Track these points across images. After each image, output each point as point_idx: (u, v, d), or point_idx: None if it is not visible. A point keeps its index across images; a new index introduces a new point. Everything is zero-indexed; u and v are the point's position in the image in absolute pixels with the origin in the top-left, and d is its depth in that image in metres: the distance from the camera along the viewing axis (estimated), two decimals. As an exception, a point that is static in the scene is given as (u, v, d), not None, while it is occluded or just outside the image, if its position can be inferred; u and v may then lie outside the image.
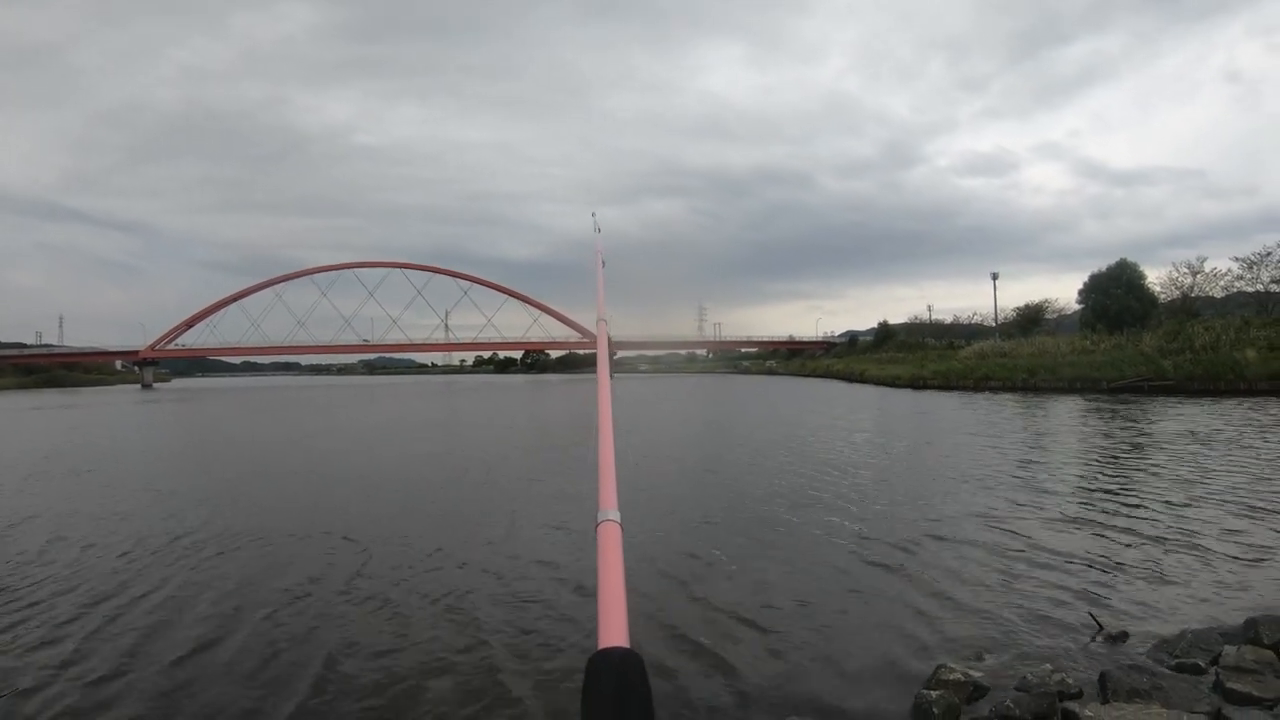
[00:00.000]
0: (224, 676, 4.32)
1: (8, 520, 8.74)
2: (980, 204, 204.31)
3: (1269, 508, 7.88)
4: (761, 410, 27.30)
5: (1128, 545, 6.63)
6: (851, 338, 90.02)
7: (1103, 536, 6.99)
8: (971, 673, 3.87)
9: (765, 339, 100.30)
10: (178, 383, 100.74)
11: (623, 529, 0.94)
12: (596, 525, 0.95)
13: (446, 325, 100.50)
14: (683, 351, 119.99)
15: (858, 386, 45.80)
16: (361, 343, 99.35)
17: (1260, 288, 41.17)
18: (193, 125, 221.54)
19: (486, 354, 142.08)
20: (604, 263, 2.10)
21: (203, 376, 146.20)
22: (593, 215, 2.43)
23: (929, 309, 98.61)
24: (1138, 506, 8.22)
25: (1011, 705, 3.40)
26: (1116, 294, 42.56)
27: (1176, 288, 44.96)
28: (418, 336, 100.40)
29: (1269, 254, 40.07)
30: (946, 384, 38.39)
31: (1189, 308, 42.68)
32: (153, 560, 6.85)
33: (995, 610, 5.06)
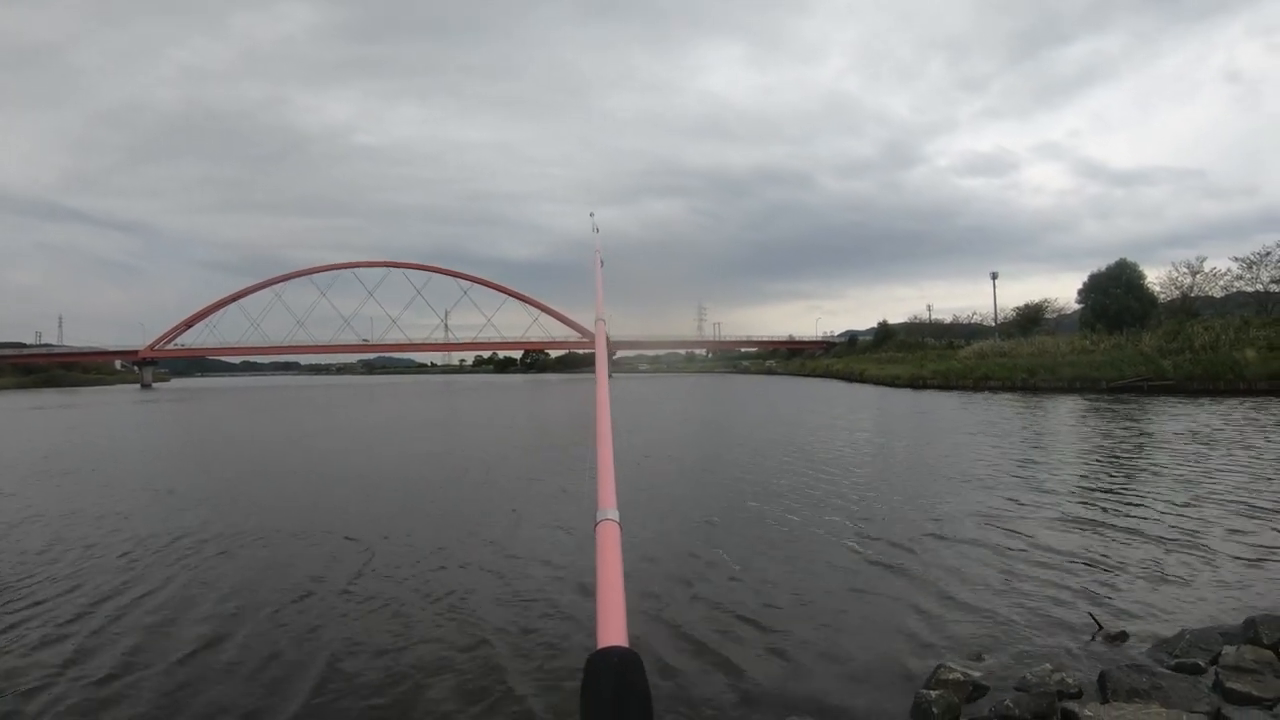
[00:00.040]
0: (227, 676, 4.32)
1: (9, 520, 8.73)
2: (980, 204, 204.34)
3: (1269, 507, 7.88)
4: (761, 410, 27.31)
5: (1127, 545, 6.64)
6: (851, 337, 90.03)
7: (1102, 536, 6.99)
8: (971, 672, 3.87)
9: (765, 339, 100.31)
10: (177, 382, 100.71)
11: (622, 528, 0.94)
12: (595, 524, 0.95)
13: (446, 325, 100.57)
14: (682, 351, 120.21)
15: (857, 386, 45.80)
16: (361, 342, 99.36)
17: (1260, 288, 41.23)
18: (193, 125, 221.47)
19: (486, 354, 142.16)
20: (602, 262, 2.10)
21: (202, 376, 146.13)
22: (591, 215, 2.43)
23: (929, 309, 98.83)
24: (1137, 506, 8.22)
25: (1011, 705, 3.40)
26: (1116, 294, 42.58)
27: (1176, 288, 45.05)
28: (417, 336, 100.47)
29: (1268, 254, 40.18)
30: (946, 384, 38.41)
31: (1188, 308, 42.71)
32: (154, 560, 6.85)
33: (995, 610, 5.06)
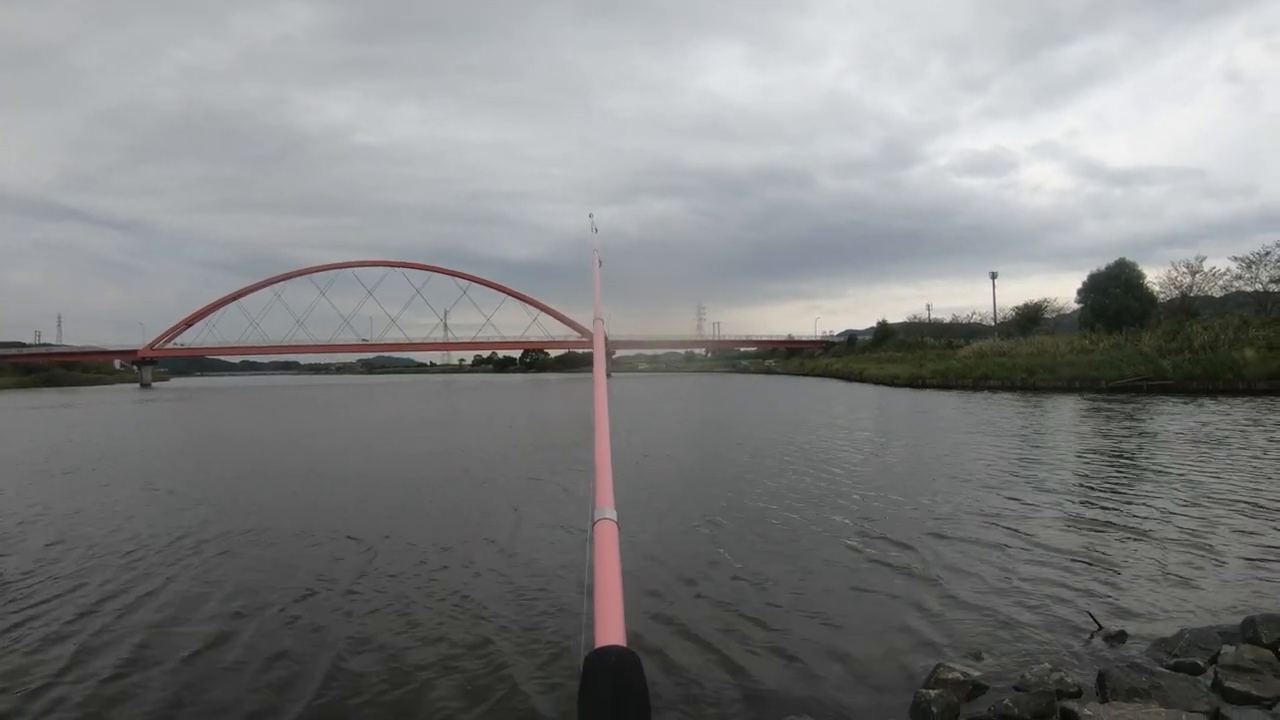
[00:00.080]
0: (232, 675, 4.32)
1: (12, 520, 8.72)
2: (979, 203, 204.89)
3: (1268, 507, 7.89)
4: (760, 409, 27.30)
5: (1126, 544, 6.64)
6: (850, 337, 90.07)
7: (1101, 535, 6.99)
8: (970, 671, 3.87)
9: (764, 338, 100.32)
10: (176, 382, 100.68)
11: (620, 527, 0.93)
12: (593, 524, 0.94)
13: (445, 324, 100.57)
14: (682, 351, 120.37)
15: (856, 386, 45.81)
16: (360, 342, 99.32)
17: (1259, 287, 41.20)
18: (192, 125, 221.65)
19: (485, 353, 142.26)
20: (601, 262, 2.10)
21: (201, 376, 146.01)
22: (590, 216, 2.43)
23: (928, 308, 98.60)
24: (1136, 506, 8.22)
25: (1010, 704, 3.40)
26: (1115, 293, 42.58)
27: (1175, 287, 45.01)
28: (416, 336, 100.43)
29: (1268, 253, 40.14)
30: (945, 383, 38.41)
31: (1188, 307, 42.69)
32: (156, 560, 6.84)
33: (994, 609, 5.06)
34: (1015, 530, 7.26)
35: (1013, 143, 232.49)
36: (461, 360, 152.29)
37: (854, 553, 6.65)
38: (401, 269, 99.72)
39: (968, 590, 5.48)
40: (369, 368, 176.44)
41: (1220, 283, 43.88)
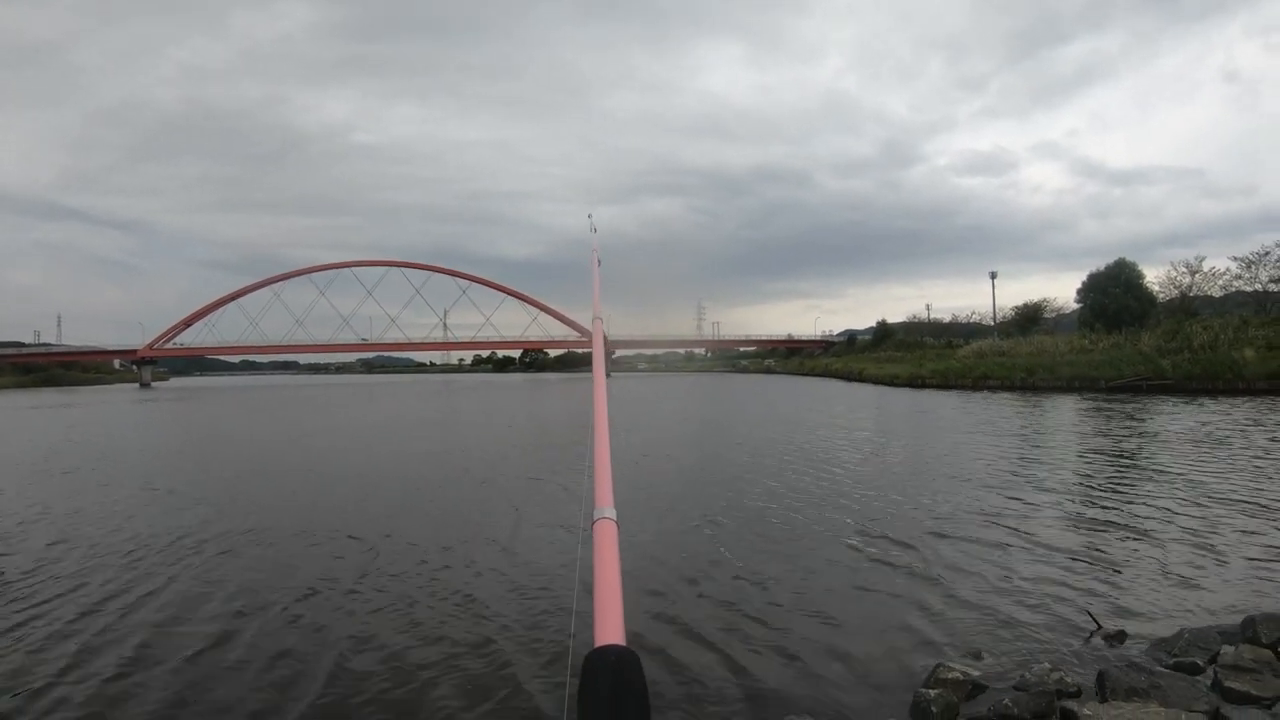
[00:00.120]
0: (235, 675, 4.32)
1: (13, 520, 8.71)
2: (979, 203, 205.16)
3: (1268, 507, 7.89)
4: (760, 409, 27.31)
5: (1126, 544, 6.64)
6: (850, 337, 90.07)
7: (1101, 535, 6.99)
8: (970, 671, 3.87)
9: (764, 338, 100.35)
10: (176, 381, 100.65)
11: (619, 527, 0.93)
12: (593, 523, 0.94)
13: (445, 324, 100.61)
14: (681, 350, 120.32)
15: (856, 385, 45.81)
16: (360, 342, 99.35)
17: (1258, 287, 41.20)
18: (192, 124, 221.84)
19: (485, 353, 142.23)
20: (600, 262, 2.10)
21: (201, 375, 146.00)
22: (589, 217, 2.43)
23: (927, 308, 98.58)
24: (1135, 505, 8.23)
25: (1010, 704, 3.40)
26: (1115, 293, 42.59)
27: (1175, 287, 45.01)
28: (416, 335, 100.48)
29: (1267, 253, 40.13)
30: (945, 383, 38.42)
31: (1187, 307, 42.69)
32: (158, 559, 6.84)
33: (994, 608, 5.06)
34: (1014, 530, 7.26)
35: (1012, 142, 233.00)
36: (461, 360, 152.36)
37: (854, 552, 6.66)
38: (401, 269, 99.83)
39: (967, 590, 5.48)
40: (368, 367, 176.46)
41: (1220, 282, 43.95)
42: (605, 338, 1.66)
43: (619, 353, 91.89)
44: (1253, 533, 6.86)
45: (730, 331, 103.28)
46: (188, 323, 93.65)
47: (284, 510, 9.16)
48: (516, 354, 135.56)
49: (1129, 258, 44.59)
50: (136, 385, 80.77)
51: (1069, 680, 3.64)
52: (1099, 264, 45.74)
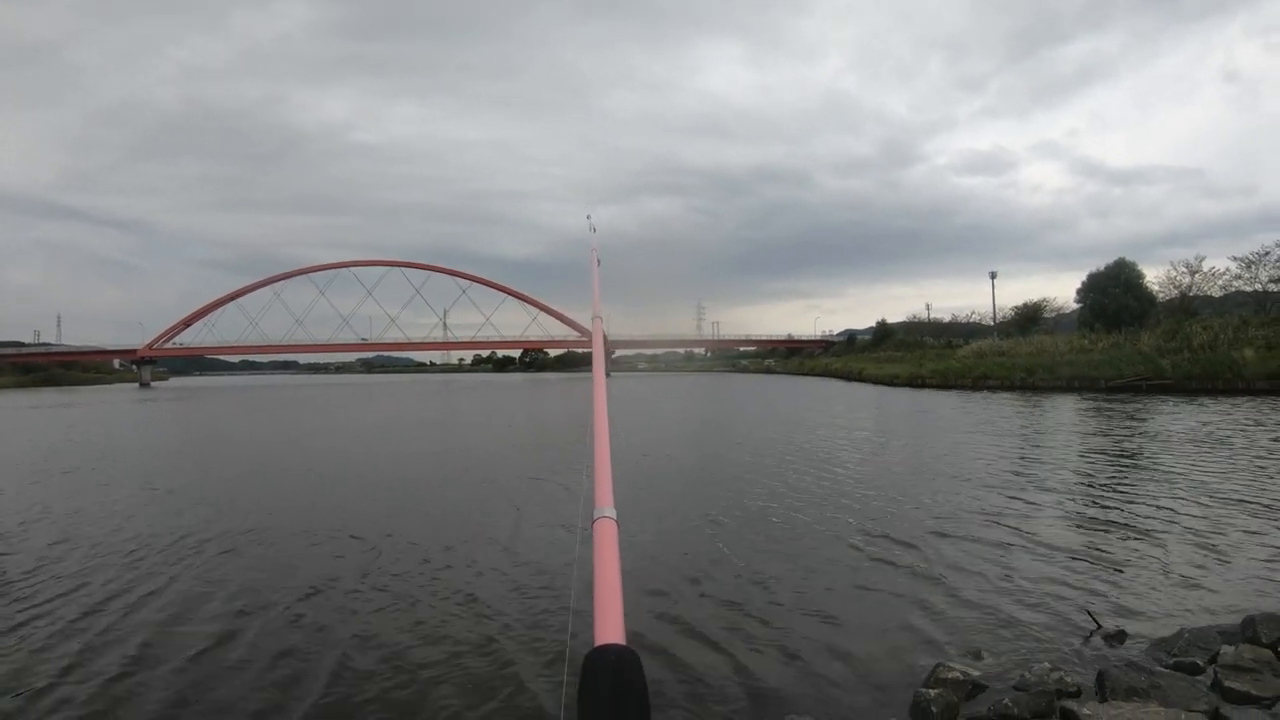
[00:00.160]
0: (238, 674, 4.32)
1: (16, 521, 8.69)
2: (978, 203, 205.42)
3: (1267, 506, 7.89)
4: (760, 409, 27.31)
5: (1126, 544, 6.64)
6: (850, 336, 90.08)
7: (1101, 535, 7.00)
8: (970, 671, 3.87)
9: (763, 338, 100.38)
10: (175, 381, 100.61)
11: (619, 526, 0.93)
12: (593, 522, 0.94)
13: (445, 324, 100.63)
14: (681, 350, 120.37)
15: (856, 385, 45.82)
16: (360, 341, 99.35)
17: (1258, 287, 41.21)
18: (191, 124, 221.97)
19: (485, 353, 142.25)
20: (599, 261, 2.10)
21: (200, 375, 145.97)
22: (588, 218, 2.43)
23: (927, 308, 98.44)
24: (1135, 505, 8.23)
25: (1010, 704, 3.40)
26: (1115, 293, 42.58)
27: (1175, 287, 45.02)
28: (416, 335, 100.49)
29: (1267, 253, 40.15)
30: (945, 383, 38.41)
31: (1187, 307, 42.70)
32: (159, 559, 6.84)
33: (993, 608, 5.06)
34: (1014, 529, 7.26)
35: (1012, 142, 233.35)
36: (461, 360, 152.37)
37: (854, 551, 6.66)
38: (401, 268, 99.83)
39: (967, 589, 5.48)
40: (368, 367, 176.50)
41: (1219, 282, 43.97)
42: (605, 337, 1.66)
43: (619, 352, 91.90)
44: (1252, 532, 6.86)
45: (730, 331, 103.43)
46: (187, 322, 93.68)
47: (284, 510, 9.16)
48: (516, 354, 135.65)
49: (1129, 257, 44.66)
50: (136, 385, 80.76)
51: (1069, 680, 3.64)
52: (1099, 264, 45.82)
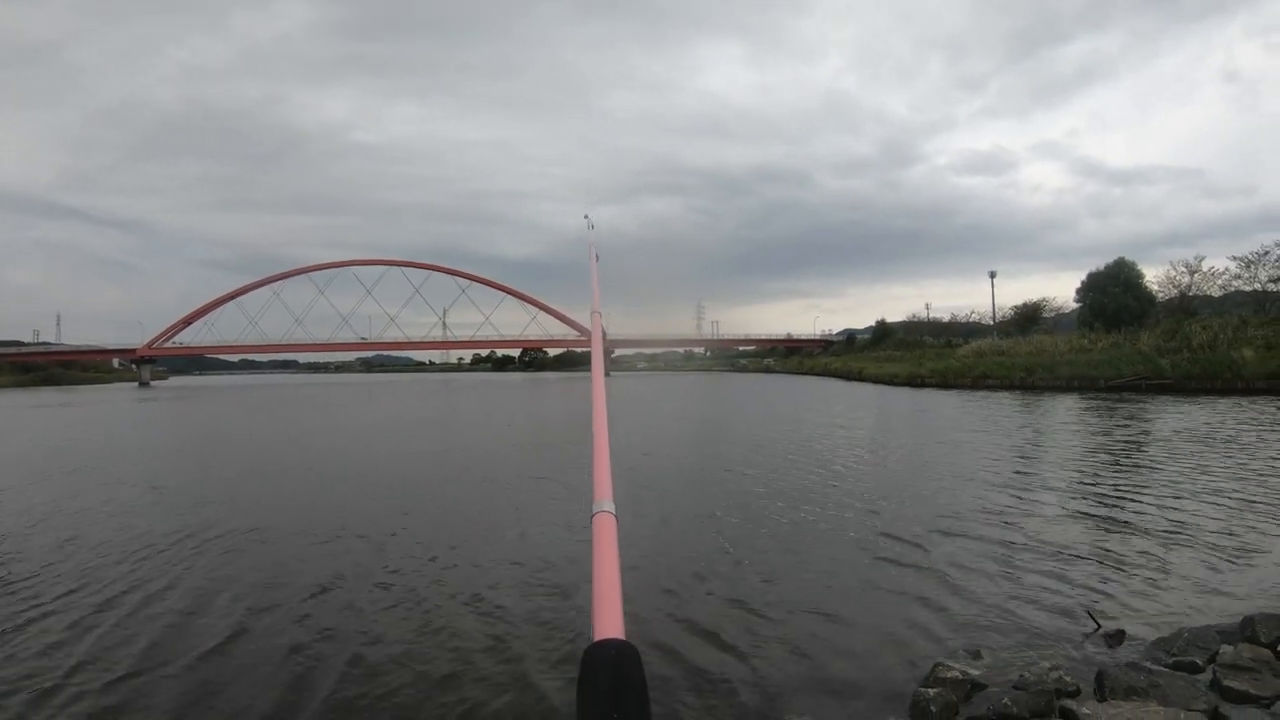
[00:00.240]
0: (247, 673, 4.33)
1: (23, 520, 8.68)
2: (978, 202, 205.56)
3: (1266, 506, 7.89)
4: (760, 408, 27.30)
5: (1125, 543, 6.64)
6: (849, 336, 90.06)
7: (1100, 534, 7.00)
8: (969, 670, 3.86)
9: (763, 337, 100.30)
10: (175, 380, 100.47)
11: (619, 520, 0.92)
12: (592, 516, 0.93)
13: (444, 323, 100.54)
14: (680, 350, 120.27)
15: (856, 385, 45.81)
16: (359, 341, 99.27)
17: (1258, 287, 41.26)
18: (192, 124, 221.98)
19: (484, 352, 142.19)
20: (597, 257, 2.09)
21: (200, 374, 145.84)
22: (585, 217, 2.43)
23: (927, 307, 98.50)
24: (1135, 504, 8.23)
25: (1009, 703, 3.40)
26: (1114, 293, 42.59)
27: (1174, 286, 45.06)
28: (415, 334, 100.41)
29: (1266, 253, 40.20)
30: (944, 382, 38.41)
31: (1187, 307, 42.72)
32: (164, 559, 6.84)
33: (993, 607, 5.06)
34: (1014, 528, 7.27)
35: (1012, 142, 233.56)
36: (460, 359, 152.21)
37: (853, 549, 6.66)
38: (400, 268, 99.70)
39: (967, 588, 5.48)
40: (368, 366, 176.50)
41: (1219, 282, 44.01)
42: (604, 334, 1.65)
43: (618, 352, 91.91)
44: (1252, 532, 6.86)
45: (730, 331, 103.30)
46: (187, 322, 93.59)
47: (287, 510, 9.16)
48: (516, 353, 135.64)
49: (1129, 257, 44.69)
50: (135, 384, 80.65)
51: (1068, 679, 3.64)
52: (1098, 263, 45.84)
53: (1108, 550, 6.42)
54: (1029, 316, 56.47)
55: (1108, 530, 7.15)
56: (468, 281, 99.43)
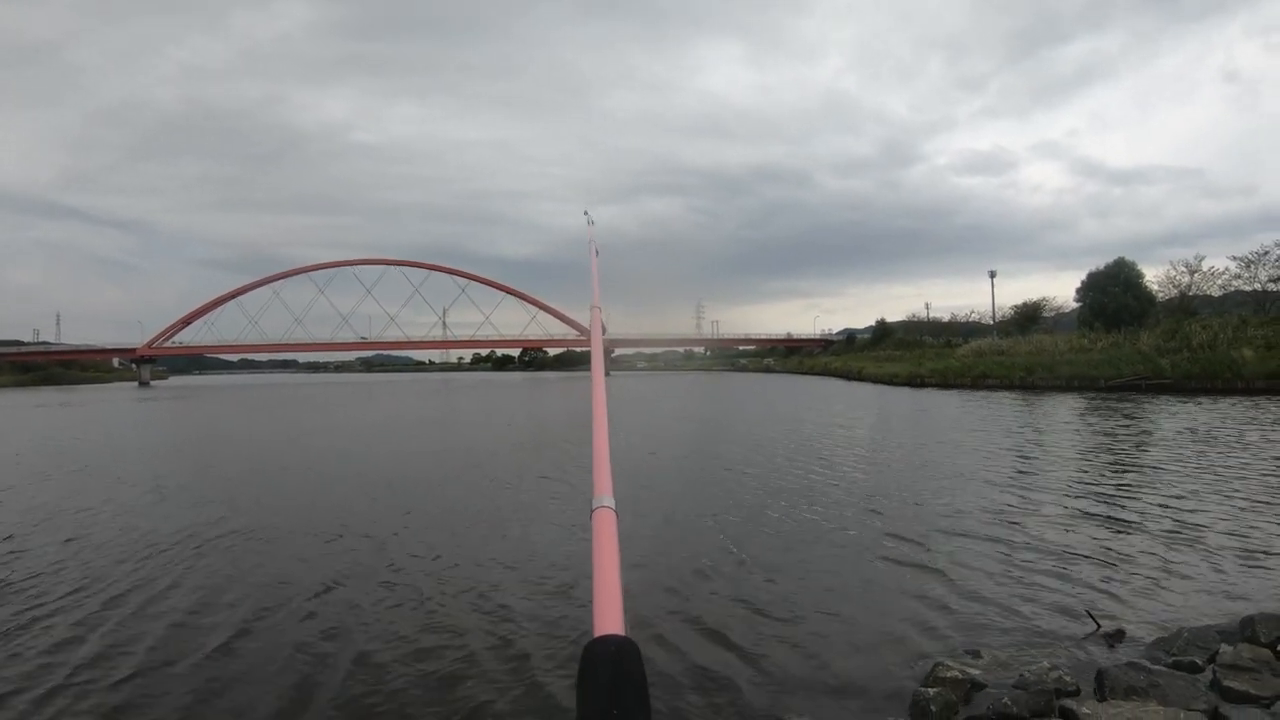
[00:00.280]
0: (254, 672, 4.34)
1: (25, 520, 8.69)
2: (978, 202, 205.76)
3: (1266, 506, 7.90)
4: (760, 408, 27.31)
5: (1125, 543, 6.65)
6: (849, 336, 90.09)
7: (1100, 534, 7.00)
8: (969, 670, 3.87)
9: (763, 337, 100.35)
10: (175, 380, 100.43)
11: (618, 516, 0.92)
12: (592, 511, 0.93)
13: (444, 323, 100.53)
14: (680, 349, 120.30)
15: (855, 384, 45.81)
16: (359, 340, 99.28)
17: (1258, 287, 41.29)
18: (191, 124, 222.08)
19: (484, 352, 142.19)
20: (597, 252, 2.09)
21: (200, 374, 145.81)
22: (585, 213, 2.43)
23: (926, 307, 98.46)
24: (1135, 504, 8.24)
25: (1009, 703, 3.40)
26: (1114, 292, 42.58)
27: (1174, 286, 45.07)
28: (415, 334, 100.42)
29: (1266, 253, 40.24)
30: (944, 382, 38.42)
31: (1186, 306, 42.73)
32: (168, 559, 6.84)
33: (993, 607, 5.07)
34: (1014, 527, 7.27)
35: (1012, 142, 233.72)
36: (460, 358, 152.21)
37: (853, 549, 6.66)
38: (400, 267, 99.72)
39: (967, 587, 5.49)
40: (368, 366, 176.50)
41: (1219, 282, 44.03)
42: (604, 328, 1.64)
43: (618, 351, 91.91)
44: (1251, 532, 6.86)
45: (729, 330, 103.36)
46: (187, 321, 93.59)
47: (289, 509, 9.16)
48: (515, 352, 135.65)
49: (1128, 257, 44.66)
50: (135, 384, 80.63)
51: (1068, 679, 3.65)
52: (1098, 263, 45.80)
53: (1108, 550, 6.43)
54: (1029, 316, 56.47)
55: (1107, 530, 7.15)
56: (467, 281, 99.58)
